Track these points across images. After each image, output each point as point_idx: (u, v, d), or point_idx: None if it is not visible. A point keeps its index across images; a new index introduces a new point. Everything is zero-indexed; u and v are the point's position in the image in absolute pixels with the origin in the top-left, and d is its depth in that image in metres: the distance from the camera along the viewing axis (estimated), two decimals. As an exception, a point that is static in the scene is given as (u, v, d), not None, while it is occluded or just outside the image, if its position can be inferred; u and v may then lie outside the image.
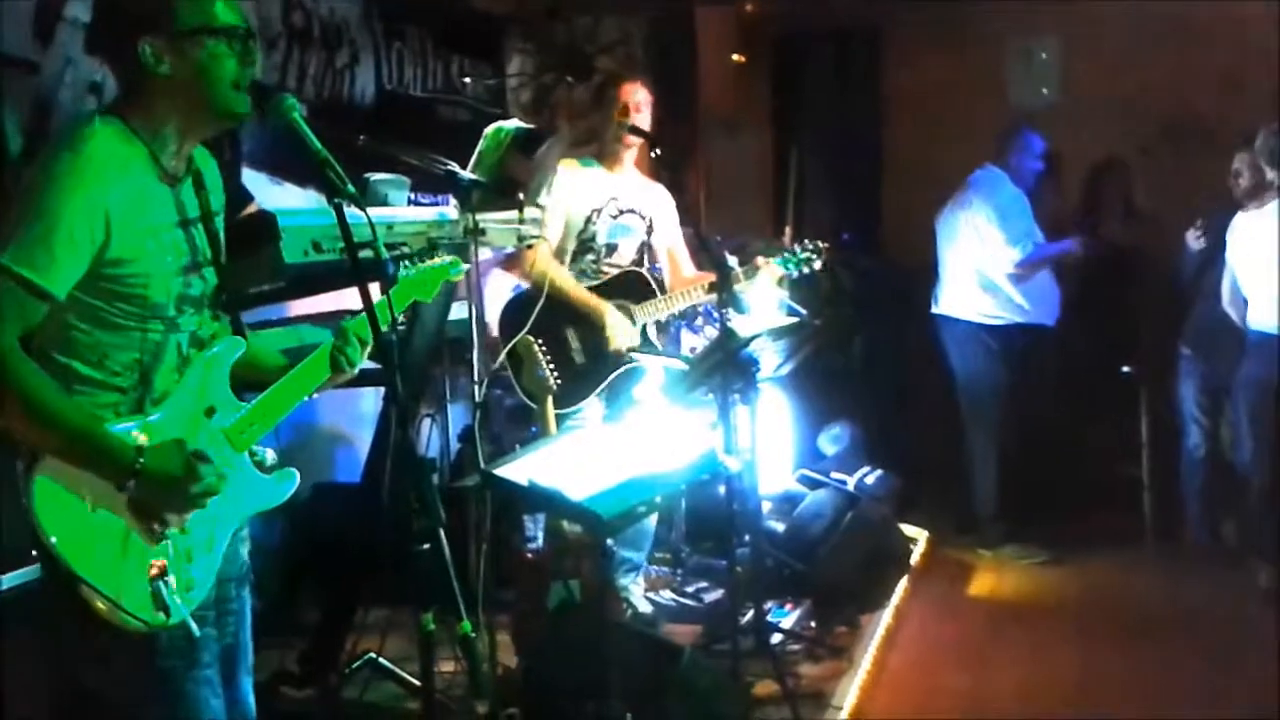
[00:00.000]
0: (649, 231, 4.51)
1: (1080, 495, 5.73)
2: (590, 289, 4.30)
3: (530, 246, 4.09)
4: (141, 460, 2.07)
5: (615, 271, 4.40)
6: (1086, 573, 5.32)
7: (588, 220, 4.35)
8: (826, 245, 4.68)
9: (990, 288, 5.53)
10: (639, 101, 4.34)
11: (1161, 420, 5.66)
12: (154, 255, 2.14)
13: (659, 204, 4.57)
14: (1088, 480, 5.80)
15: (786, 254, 4.63)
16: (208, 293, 2.27)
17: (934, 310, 5.75)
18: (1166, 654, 4.33)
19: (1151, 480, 5.67)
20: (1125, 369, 5.72)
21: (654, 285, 4.40)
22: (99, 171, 2.05)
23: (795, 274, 4.63)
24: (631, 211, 4.44)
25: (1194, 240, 5.41)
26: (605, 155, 4.41)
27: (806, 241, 4.69)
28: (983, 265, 5.53)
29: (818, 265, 4.66)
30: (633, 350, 4.27)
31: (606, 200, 4.37)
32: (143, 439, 2.11)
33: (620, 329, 4.26)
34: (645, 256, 4.51)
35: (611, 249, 4.42)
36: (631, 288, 4.39)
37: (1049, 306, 5.61)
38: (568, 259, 4.35)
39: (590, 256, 4.38)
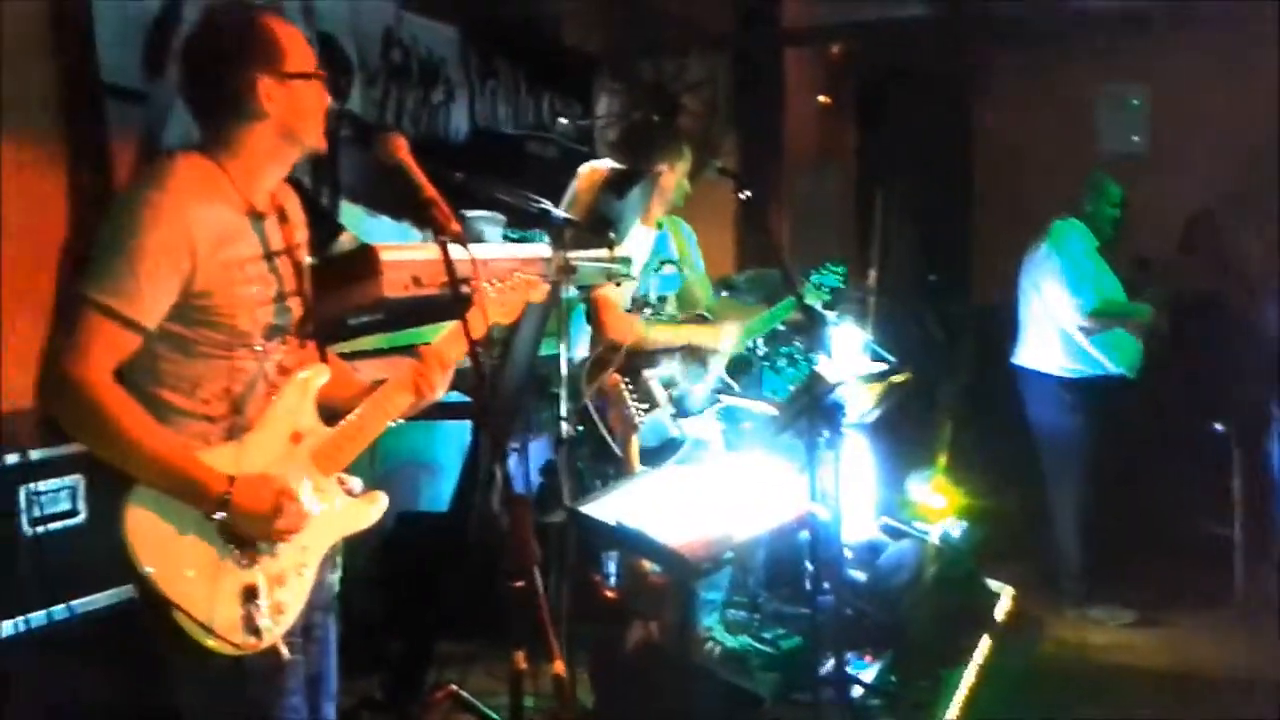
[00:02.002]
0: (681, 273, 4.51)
1: (1169, 554, 5.58)
2: None
3: (619, 285, 4.10)
4: (230, 492, 2.10)
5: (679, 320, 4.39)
6: (1174, 634, 5.18)
7: (642, 276, 4.34)
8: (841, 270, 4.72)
9: (1066, 340, 5.44)
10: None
11: (1255, 479, 5.51)
12: (241, 286, 2.18)
13: (683, 239, 4.55)
14: (1177, 539, 5.65)
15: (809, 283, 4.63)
16: (293, 322, 2.31)
17: (1013, 361, 5.67)
18: (1254, 716, 4.18)
19: (1244, 541, 5.52)
20: (1218, 425, 5.58)
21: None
22: (184, 205, 2.10)
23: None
24: (670, 261, 4.44)
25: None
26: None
27: (825, 266, 4.68)
28: (1057, 318, 5.44)
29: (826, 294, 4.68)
30: (719, 392, 4.26)
31: (650, 255, 4.36)
32: (237, 470, 2.14)
33: (718, 331, 4.28)
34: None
35: (663, 300, 4.42)
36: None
37: (1128, 358, 5.50)
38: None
39: (648, 311, 4.36)
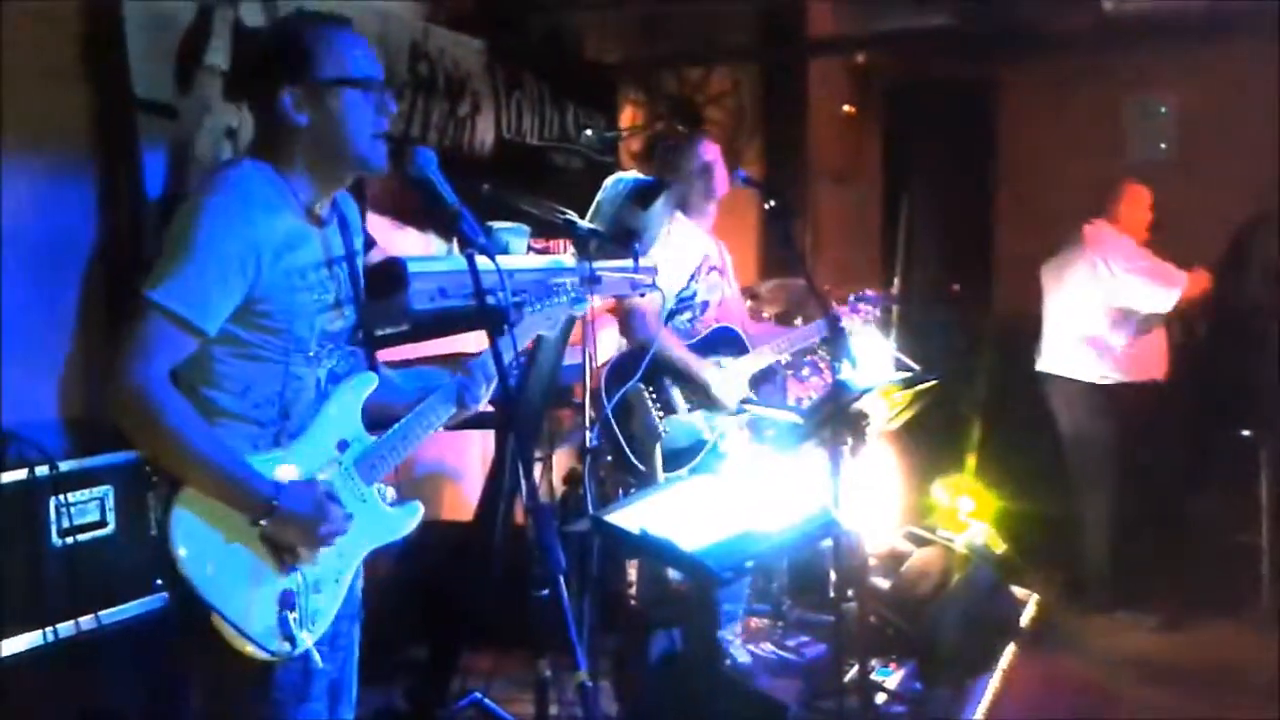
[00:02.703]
0: (726, 285, 4.53)
1: (1195, 560, 5.55)
2: (688, 347, 4.30)
3: (644, 295, 4.12)
4: (277, 499, 2.12)
5: (705, 330, 4.40)
6: (1200, 640, 5.15)
7: (691, 278, 4.36)
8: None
9: (1096, 344, 5.43)
10: (718, 157, 4.42)
11: (1281, 484, 5.47)
12: (300, 293, 2.20)
13: (726, 257, 4.59)
14: (1203, 545, 5.61)
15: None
16: (347, 330, 2.34)
17: (1038, 367, 5.65)
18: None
19: (1270, 547, 5.48)
20: (1245, 431, 5.55)
21: (744, 340, 4.40)
22: (249, 211, 2.12)
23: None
24: (715, 269, 4.46)
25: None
26: (696, 211, 4.42)
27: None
28: (1088, 321, 5.42)
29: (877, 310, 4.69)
30: (744, 402, 4.26)
31: (702, 258, 4.39)
32: (283, 476, 2.17)
33: (727, 388, 4.24)
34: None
35: (705, 307, 4.43)
36: (724, 344, 4.39)
37: (1156, 361, 5.48)
38: (663, 316, 4.34)
39: (688, 315, 4.38)
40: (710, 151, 4.43)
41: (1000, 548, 5.37)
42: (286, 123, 2.19)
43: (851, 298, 4.70)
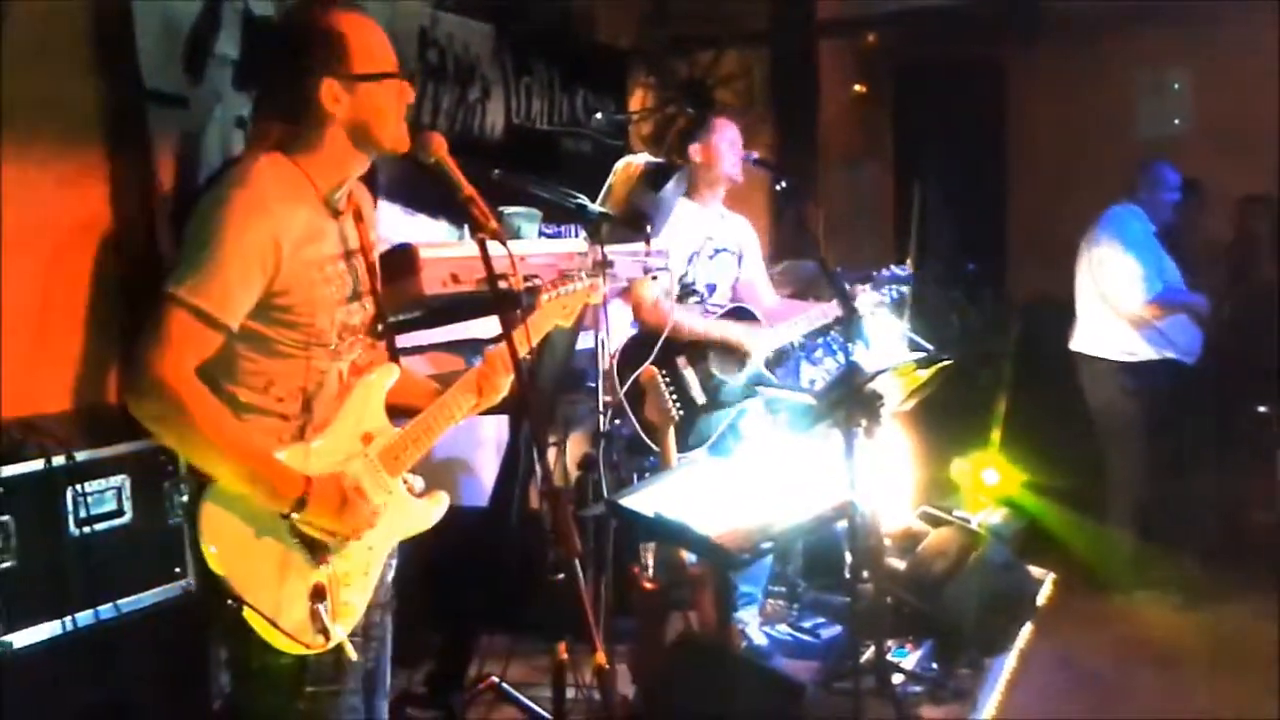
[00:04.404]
0: (739, 265, 4.51)
1: (1216, 538, 5.53)
2: None
3: (655, 278, 4.11)
4: (307, 493, 2.12)
5: (719, 310, 4.40)
6: (1220, 618, 5.12)
7: (688, 261, 4.35)
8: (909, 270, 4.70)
9: (1126, 325, 5.41)
10: (735, 137, 4.38)
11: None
12: (320, 285, 2.20)
13: (745, 236, 4.57)
14: (1224, 523, 5.59)
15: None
16: (366, 321, 2.34)
17: (1071, 346, 5.64)
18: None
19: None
20: (1261, 408, 5.53)
21: (758, 319, 4.40)
22: (269, 205, 2.12)
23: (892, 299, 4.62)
24: (724, 250, 4.44)
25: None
26: (700, 191, 4.40)
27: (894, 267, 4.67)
28: (1116, 303, 5.40)
29: (905, 289, 4.65)
30: (758, 383, 4.26)
31: (703, 240, 4.37)
32: (310, 469, 2.17)
33: (754, 338, 4.27)
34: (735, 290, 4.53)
35: (712, 289, 4.42)
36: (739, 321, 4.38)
37: (1188, 343, 5.46)
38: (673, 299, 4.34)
39: (695, 299, 4.37)
40: (723, 132, 4.40)
41: (1017, 526, 5.36)
42: (318, 112, 2.18)
43: (877, 273, 4.67)
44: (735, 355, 4.26)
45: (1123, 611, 5.25)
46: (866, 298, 4.54)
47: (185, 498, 2.60)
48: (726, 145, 4.37)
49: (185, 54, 3.56)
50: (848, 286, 4.34)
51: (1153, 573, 5.39)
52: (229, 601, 2.11)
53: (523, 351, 2.35)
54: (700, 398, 4.21)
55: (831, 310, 4.41)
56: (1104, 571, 5.48)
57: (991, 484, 5.81)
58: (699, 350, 4.24)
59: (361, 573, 2.27)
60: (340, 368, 2.28)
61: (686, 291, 4.36)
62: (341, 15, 2.23)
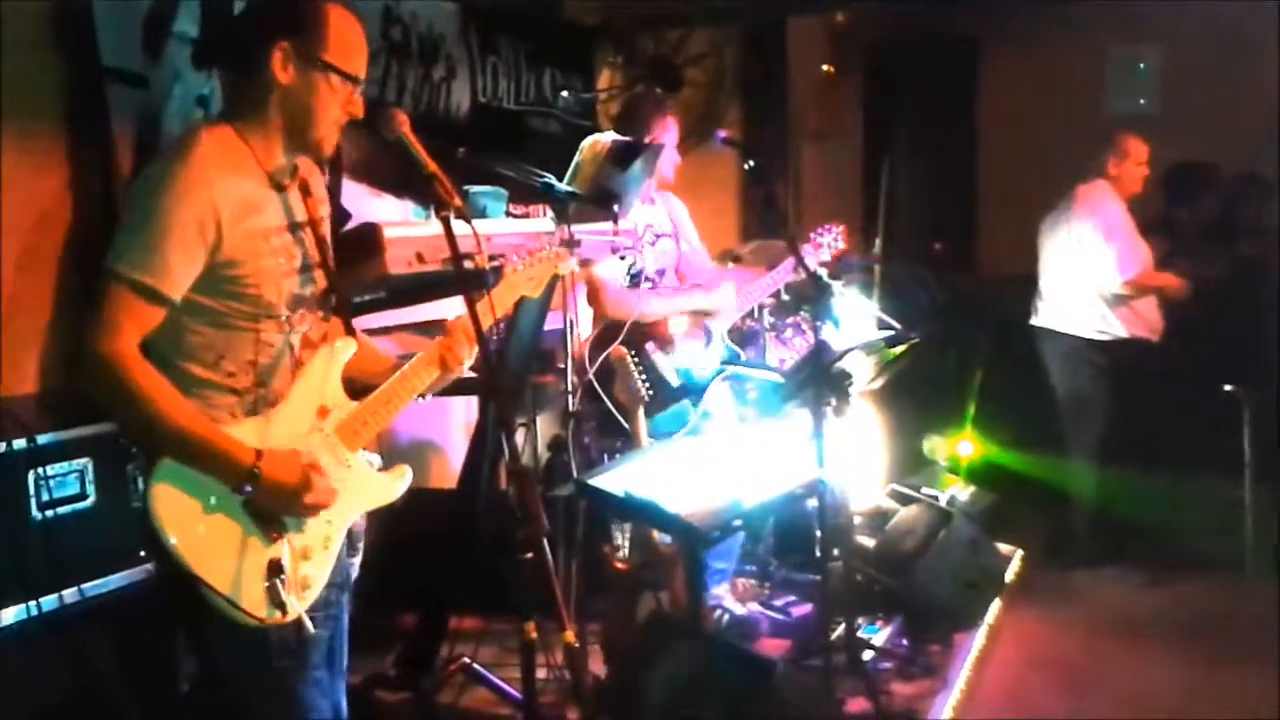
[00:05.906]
0: (677, 244, 4.50)
1: (1180, 516, 5.58)
2: None
3: (623, 258, 4.10)
4: (259, 466, 2.11)
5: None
6: (1185, 594, 5.18)
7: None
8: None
9: (1095, 303, 5.43)
10: (674, 138, 4.36)
11: (1264, 440, 5.49)
12: (266, 257, 2.19)
13: (676, 211, 4.53)
14: (1188, 500, 5.64)
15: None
16: (316, 294, 2.32)
17: (1033, 321, 5.66)
18: (1266, 677, 4.19)
19: (1254, 502, 5.51)
20: (1228, 386, 5.56)
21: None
22: (208, 175, 2.10)
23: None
24: (664, 235, 4.42)
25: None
26: None
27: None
28: (1087, 281, 5.42)
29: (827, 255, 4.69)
30: (727, 361, 4.26)
31: (644, 229, 4.35)
32: (263, 443, 2.15)
33: (721, 294, 4.28)
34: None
35: (661, 273, 4.41)
36: None
37: (1153, 321, 5.49)
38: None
39: (647, 286, 4.35)
40: (662, 129, 4.30)
41: (985, 503, 5.39)
42: (266, 78, 2.18)
43: (847, 260, 4.68)
44: (700, 322, 4.24)
45: (1090, 587, 5.30)
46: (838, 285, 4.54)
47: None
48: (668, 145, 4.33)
49: (144, 32, 3.52)
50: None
51: (1118, 548, 5.43)
52: (185, 581, 2.10)
53: (486, 322, 2.33)
54: (674, 380, 4.20)
55: (784, 271, 4.43)
56: (1069, 547, 5.52)
57: (966, 455, 5.85)
58: (666, 335, 4.23)
59: (321, 547, 2.25)
60: (291, 340, 2.27)
61: (638, 281, 4.34)
62: (334, 3, 2.23)
